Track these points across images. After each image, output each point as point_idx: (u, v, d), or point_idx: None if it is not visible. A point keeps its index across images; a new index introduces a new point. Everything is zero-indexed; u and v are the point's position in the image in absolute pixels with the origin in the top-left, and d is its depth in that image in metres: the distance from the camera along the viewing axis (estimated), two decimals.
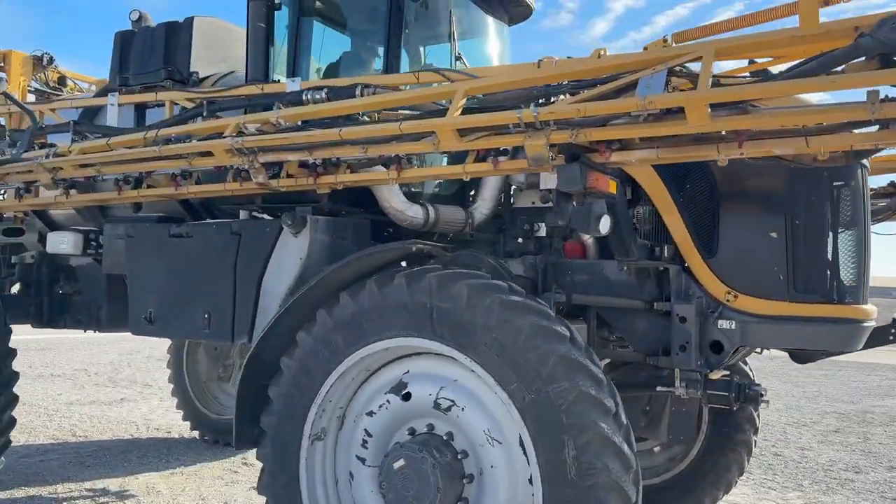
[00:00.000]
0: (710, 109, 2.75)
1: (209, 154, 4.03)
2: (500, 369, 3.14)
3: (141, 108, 5.30)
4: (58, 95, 7.28)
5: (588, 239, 4.30)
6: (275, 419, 3.82)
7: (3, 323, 5.67)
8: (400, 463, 3.33)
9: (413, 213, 4.35)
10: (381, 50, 5.14)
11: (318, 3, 5.01)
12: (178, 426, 8.47)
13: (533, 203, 4.56)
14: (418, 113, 3.72)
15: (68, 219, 6.38)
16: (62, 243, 5.69)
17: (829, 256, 3.62)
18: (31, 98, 7.06)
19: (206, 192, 4.51)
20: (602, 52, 3.34)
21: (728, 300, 3.75)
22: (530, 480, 3.17)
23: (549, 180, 4.04)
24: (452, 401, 3.45)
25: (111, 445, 7.65)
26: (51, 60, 7.41)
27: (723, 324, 3.75)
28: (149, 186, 4.76)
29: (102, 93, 5.98)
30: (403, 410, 3.60)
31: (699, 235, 3.88)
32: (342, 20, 5.13)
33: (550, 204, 4.36)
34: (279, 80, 4.73)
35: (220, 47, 5.81)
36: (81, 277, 6.25)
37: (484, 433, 3.35)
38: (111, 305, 5.97)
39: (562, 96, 3.23)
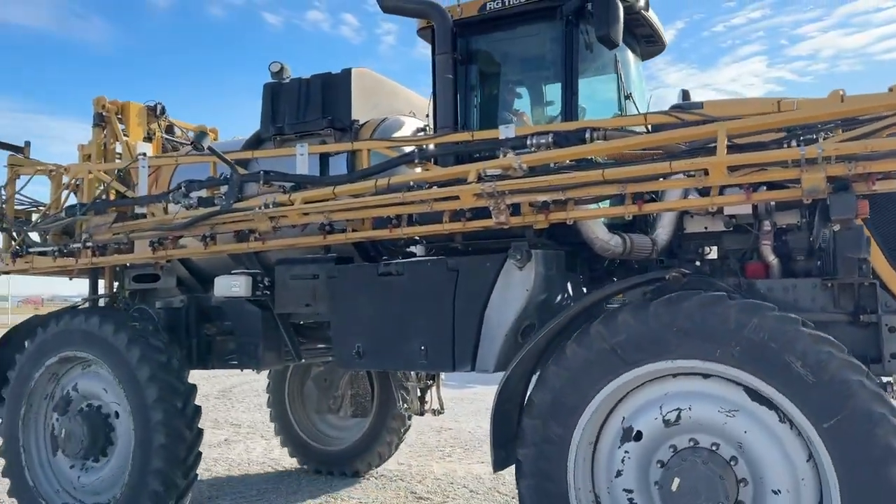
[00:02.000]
0: None
1: (453, 198, 4.37)
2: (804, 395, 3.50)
3: (324, 157, 5.60)
4: (182, 144, 7.52)
5: (773, 260, 4.76)
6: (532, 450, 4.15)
7: (182, 364, 5.87)
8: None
9: (615, 242, 4.78)
10: (542, 94, 5.64)
11: (497, 57, 5.43)
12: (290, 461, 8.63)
13: (706, 228, 5.01)
14: (659, 152, 4.16)
15: (208, 264, 6.64)
16: (234, 287, 5.91)
17: None
18: (146, 146, 7.27)
19: (423, 232, 4.84)
20: (842, 94, 3.84)
21: None
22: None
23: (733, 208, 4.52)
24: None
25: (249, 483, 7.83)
26: (163, 111, 7.64)
27: None
28: (353, 230, 5.09)
29: (255, 141, 6.30)
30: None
31: (891, 253, 4.38)
32: (517, 71, 5.55)
33: (727, 229, 4.86)
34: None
35: (371, 96, 6.19)
36: (232, 318, 6.44)
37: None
38: (267, 343, 6.23)
39: (823, 135, 3.70)
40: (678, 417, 3.91)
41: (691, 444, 3.87)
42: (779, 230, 4.67)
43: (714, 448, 3.81)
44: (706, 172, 3.82)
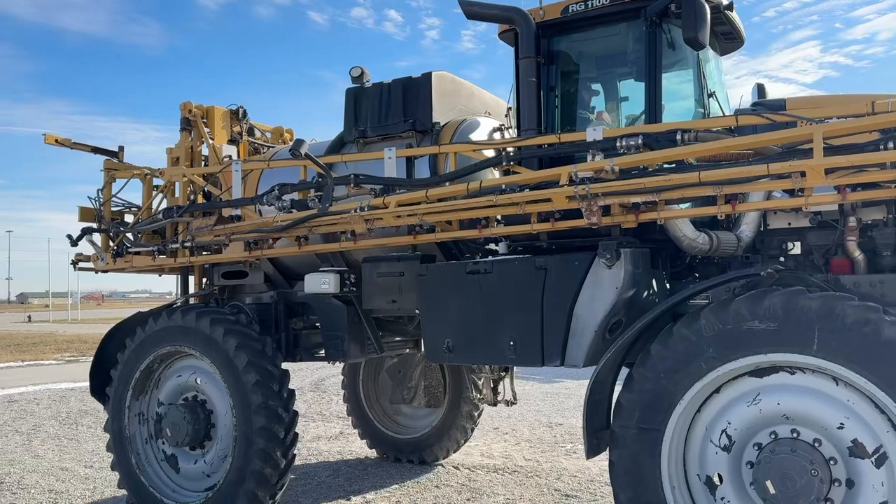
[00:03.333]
0: None
1: (545, 200, 4.53)
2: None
3: (410, 159, 5.81)
4: (263, 146, 7.83)
5: (858, 255, 4.79)
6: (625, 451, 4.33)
7: (275, 351, 6.18)
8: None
9: (702, 240, 4.87)
10: (623, 93, 5.74)
11: (579, 58, 5.56)
12: None
13: (789, 224, 5.07)
14: (749, 155, 4.25)
15: (294, 261, 6.93)
16: (324, 284, 6.19)
17: None
18: (231, 149, 7.59)
19: (512, 232, 5.02)
20: None
21: None
22: None
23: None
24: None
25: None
26: (244, 114, 7.95)
27: None
28: (441, 230, 5.29)
29: (339, 144, 6.56)
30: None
31: None
32: (599, 71, 5.67)
33: (812, 225, 4.91)
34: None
35: (450, 98, 6.38)
36: (319, 313, 6.72)
37: None
38: (352, 336, 6.50)
39: None
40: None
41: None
42: (864, 226, 4.72)
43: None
44: (802, 174, 3.90)
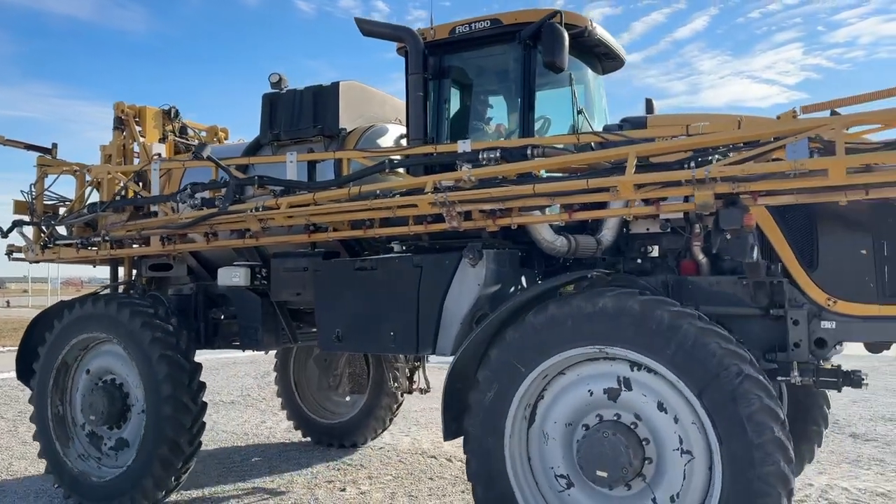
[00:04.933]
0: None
1: (412, 206, 5.05)
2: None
3: (312, 163, 6.29)
4: (191, 144, 8.27)
5: (703, 259, 5.35)
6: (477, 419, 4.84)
7: (189, 344, 6.65)
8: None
9: (560, 243, 5.40)
10: (506, 108, 6.27)
11: (463, 76, 6.07)
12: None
13: (647, 229, 5.61)
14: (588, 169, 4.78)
15: (214, 254, 7.39)
16: (235, 277, 6.68)
17: None
18: (161, 147, 8.03)
19: (390, 233, 5.54)
20: (741, 119, 4.42)
21: (829, 305, 4.78)
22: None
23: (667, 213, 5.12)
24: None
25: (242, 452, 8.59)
26: (177, 113, 8.39)
27: (825, 324, 4.80)
28: (334, 230, 5.80)
29: (255, 147, 7.03)
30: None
31: (801, 254, 4.95)
32: (482, 88, 6.19)
33: (664, 231, 5.46)
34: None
35: (358, 106, 6.87)
36: (236, 304, 7.19)
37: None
38: (266, 327, 6.99)
39: (716, 157, 4.30)
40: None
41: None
42: (707, 232, 5.27)
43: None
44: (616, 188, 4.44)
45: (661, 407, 4.45)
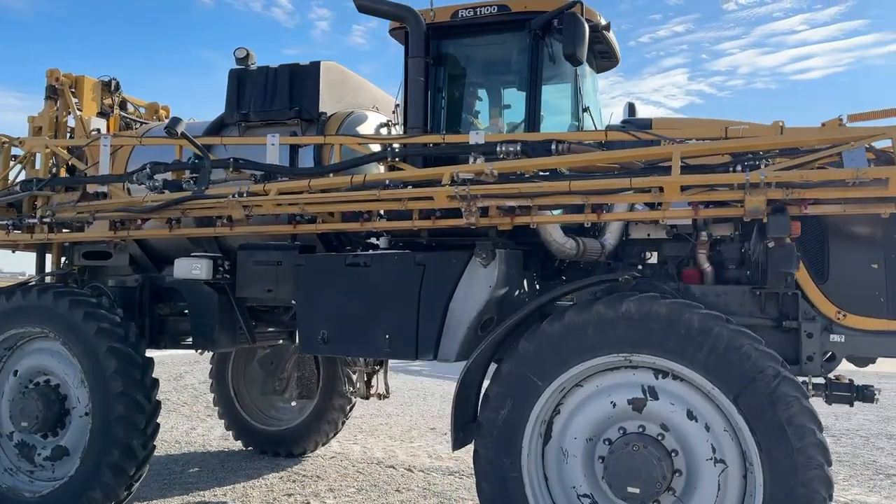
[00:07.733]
0: None
1: (427, 198, 4.65)
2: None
3: (294, 147, 5.73)
4: (135, 121, 7.46)
5: (707, 267, 5.25)
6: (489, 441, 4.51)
7: (139, 337, 5.92)
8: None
9: (570, 245, 5.16)
10: (506, 99, 5.97)
11: (465, 62, 5.71)
12: None
13: (648, 235, 5.47)
14: (613, 168, 4.56)
15: (163, 244, 6.65)
16: (195, 269, 5.99)
17: None
18: (100, 122, 7.20)
19: (393, 228, 5.10)
20: (781, 125, 4.32)
21: (838, 319, 4.78)
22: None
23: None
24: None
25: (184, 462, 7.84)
26: (118, 86, 7.56)
27: (834, 338, 4.80)
28: (323, 221, 5.29)
29: (219, 125, 6.37)
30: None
31: (813, 267, 4.93)
32: (484, 76, 5.85)
33: (668, 237, 5.33)
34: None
35: (339, 89, 6.36)
36: (188, 299, 6.48)
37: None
38: (222, 325, 6.34)
39: (765, 162, 4.17)
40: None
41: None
42: (714, 241, 5.17)
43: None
44: (661, 189, 4.23)
45: (690, 415, 4.28)
